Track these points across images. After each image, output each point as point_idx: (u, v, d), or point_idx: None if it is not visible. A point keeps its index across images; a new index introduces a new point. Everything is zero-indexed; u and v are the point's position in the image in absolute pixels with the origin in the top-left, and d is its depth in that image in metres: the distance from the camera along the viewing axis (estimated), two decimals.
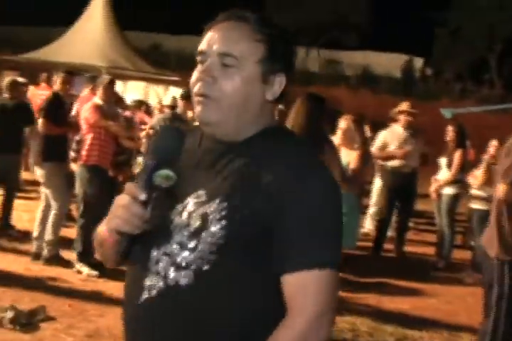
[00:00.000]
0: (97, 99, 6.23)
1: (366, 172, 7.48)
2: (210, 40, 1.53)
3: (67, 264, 6.17)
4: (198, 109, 1.53)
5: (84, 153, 6.12)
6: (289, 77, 1.58)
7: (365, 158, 6.46)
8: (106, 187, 6.04)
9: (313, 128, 4.49)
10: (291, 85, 1.59)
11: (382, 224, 8.15)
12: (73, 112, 7.58)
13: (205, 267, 1.45)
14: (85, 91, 8.38)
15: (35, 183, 8.05)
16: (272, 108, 1.60)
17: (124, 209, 1.45)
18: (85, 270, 6.00)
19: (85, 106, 6.27)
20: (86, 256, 5.96)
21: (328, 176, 1.51)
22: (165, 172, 1.44)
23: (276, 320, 1.45)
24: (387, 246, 8.15)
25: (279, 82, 1.56)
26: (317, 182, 1.47)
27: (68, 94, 7.12)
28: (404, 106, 8.09)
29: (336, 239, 1.48)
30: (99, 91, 6.23)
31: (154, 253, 1.52)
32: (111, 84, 6.29)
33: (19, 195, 8.32)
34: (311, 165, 1.50)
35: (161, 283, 1.48)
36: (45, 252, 6.22)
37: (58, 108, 6.55)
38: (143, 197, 1.44)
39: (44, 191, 6.52)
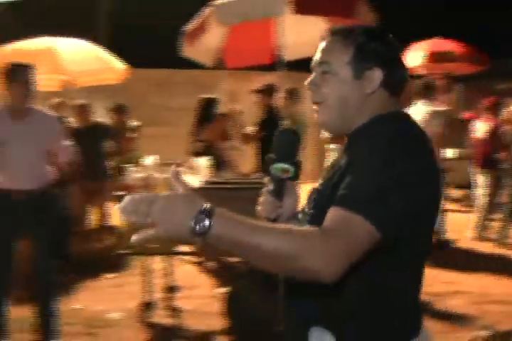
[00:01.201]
0: None
1: None
2: (315, 56, 1.78)
3: None
4: (315, 115, 1.78)
5: None
6: (391, 69, 1.73)
7: None
8: None
9: None
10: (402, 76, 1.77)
11: None
12: None
13: None
14: None
15: None
16: (377, 98, 1.74)
17: (262, 198, 1.79)
18: None
19: None
20: None
21: (387, 153, 1.58)
22: (280, 165, 1.74)
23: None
24: None
25: (376, 76, 1.71)
26: (373, 155, 1.58)
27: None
28: None
29: (373, 194, 1.51)
30: None
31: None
32: None
33: None
34: (378, 145, 1.61)
35: None
36: None
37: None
38: (270, 187, 1.78)
39: None
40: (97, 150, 7.43)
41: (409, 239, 1.60)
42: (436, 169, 1.65)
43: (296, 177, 1.77)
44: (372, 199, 1.50)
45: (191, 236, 1.38)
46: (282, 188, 1.77)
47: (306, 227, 1.58)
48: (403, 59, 1.78)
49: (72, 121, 7.48)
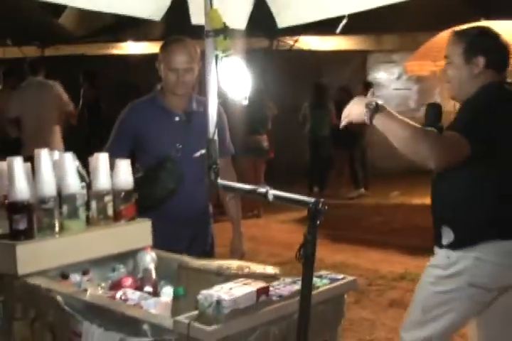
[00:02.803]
0: None
1: None
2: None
3: None
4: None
5: None
6: (491, 55, 2.62)
7: None
8: None
9: None
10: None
11: None
12: None
13: None
14: None
15: None
16: (484, 76, 2.64)
17: None
18: None
19: None
20: None
21: (473, 104, 2.62)
22: (429, 129, 2.47)
23: None
24: None
25: (480, 62, 2.62)
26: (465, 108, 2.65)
27: None
28: None
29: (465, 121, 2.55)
30: None
31: None
32: None
33: None
34: (473, 101, 2.62)
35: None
36: None
37: None
38: None
39: None
40: None
41: (497, 151, 2.51)
42: None
43: None
44: (466, 127, 2.46)
45: (366, 115, 2.41)
46: None
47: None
48: (505, 47, 2.65)
49: None
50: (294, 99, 10.02)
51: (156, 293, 2.38)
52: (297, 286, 2.00)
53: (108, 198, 2.55)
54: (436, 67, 8.20)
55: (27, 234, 2.30)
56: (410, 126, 2.42)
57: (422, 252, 5.05)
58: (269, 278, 2.06)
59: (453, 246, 2.62)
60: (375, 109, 2.41)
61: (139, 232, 2.65)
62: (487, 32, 2.71)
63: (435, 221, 2.73)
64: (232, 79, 2.22)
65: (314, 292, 1.94)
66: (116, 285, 2.43)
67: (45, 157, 2.40)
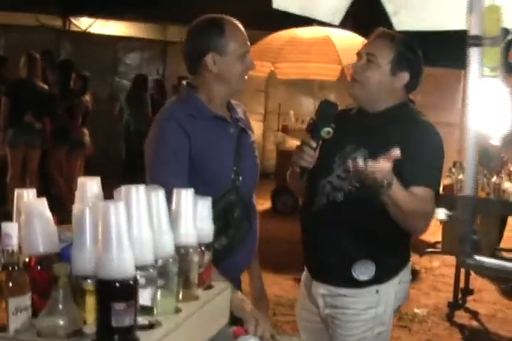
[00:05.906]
0: None
1: None
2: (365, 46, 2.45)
3: None
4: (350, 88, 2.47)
5: None
6: (414, 74, 2.37)
7: None
8: None
9: None
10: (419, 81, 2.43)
11: None
12: None
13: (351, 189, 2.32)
14: None
15: None
16: (399, 92, 2.39)
17: (304, 152, 2.23)
18: None
19: None
20: None
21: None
22: (327, 129, 2.22)
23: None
24: None
25: (404, 78, 2.36)
26: (425, 146, 2.33)
27: None
28: None
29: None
30: None
31: (322, 180, 2.38)
32: None
33: None
34: (427, 138, 2.38)
35: (324, 200, 2.37)
36: None
37: None
38: (313, 144, 2.23)
39: None
40: None
41: None
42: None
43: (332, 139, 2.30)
44: (431, 177, 2.31)
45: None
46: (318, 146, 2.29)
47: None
48: (422, 66, 2.43)
49: None
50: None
51: None
52: None
53: (196, 258, 1.68)
54: (275, 69, 7.90)
55: (131, 334, 1.37)
56: (412, 204, 2.20)
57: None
58: None
59: (378, 279, 2.37)
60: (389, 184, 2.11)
61: (221, 305, 1.81)
62: (414, 44, 2.44)
63: (343, 259, 2.37)
64: (491, 109, 1.52)
65: None
66: None
67: (141, 198, 1.47)
